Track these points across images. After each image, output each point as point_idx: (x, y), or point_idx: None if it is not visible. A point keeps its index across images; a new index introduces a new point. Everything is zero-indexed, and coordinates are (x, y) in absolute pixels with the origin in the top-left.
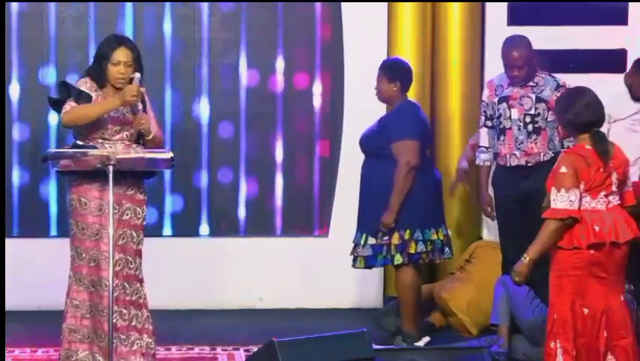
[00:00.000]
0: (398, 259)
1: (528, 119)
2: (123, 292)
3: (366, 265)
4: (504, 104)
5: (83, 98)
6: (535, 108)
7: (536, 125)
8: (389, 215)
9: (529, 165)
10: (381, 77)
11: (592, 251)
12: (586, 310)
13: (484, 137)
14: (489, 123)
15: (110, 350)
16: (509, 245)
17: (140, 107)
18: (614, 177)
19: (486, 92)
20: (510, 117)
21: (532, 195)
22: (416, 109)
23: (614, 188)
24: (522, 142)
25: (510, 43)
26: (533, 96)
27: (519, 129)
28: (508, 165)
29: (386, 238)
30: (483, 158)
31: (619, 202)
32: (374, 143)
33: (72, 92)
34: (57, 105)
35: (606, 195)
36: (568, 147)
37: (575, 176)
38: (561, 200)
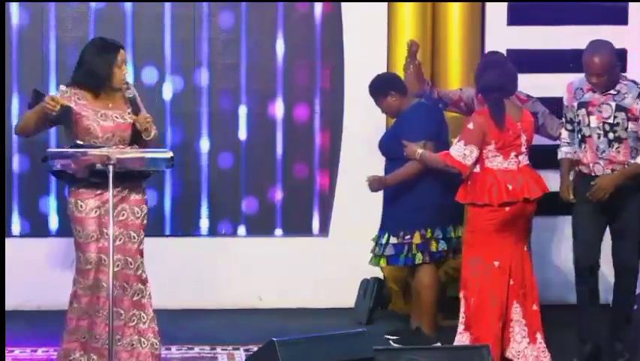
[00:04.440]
0: (419, 257)
1: (607, 128)
2: (122, 293)
3: (389, 263)
4: (583, 110)
5: (61, 112)
6: (615, 117)
7: (616, 135)
8: (379, 182)
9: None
10: (377, 99)
11: (507, 208)
12: (497, 263)
13: (564, 135)
14: (569, 127)
15: (110, 351)
16: (581, 250)
17: (143, 110)
18: (523, 138)
19: (565, 96)
20: (589, 125)
21: (616, 210)
22: (427, 109)
23: (523, 149)
24: (604, 150)
25: (592, 49)
26: (613, 104)
27: (599, 137)
28: (593, 173)
29: (408, 237)
30: (564, 150)
31: (528, 162)
32: (389, 146)
33: (39, 100)
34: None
35: (517, 156)
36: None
37: (479, 136)
38: (456, 149)
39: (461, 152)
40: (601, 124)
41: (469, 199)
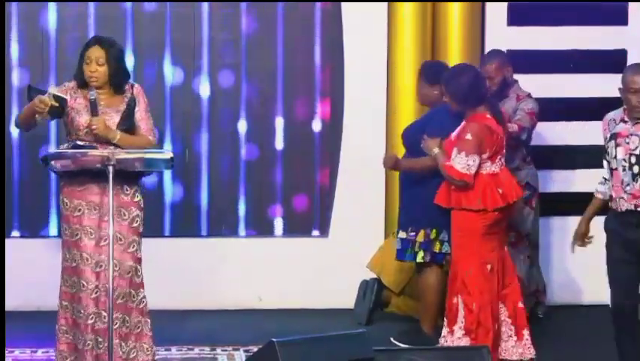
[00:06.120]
0: (421, 256)
1: (633, 160)
2: (104, 295)
3: (397, 258)
4: (612, 142)
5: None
6: None
7: None
8: (393, 162)
9: (638, 209)
10: (420, 80)
11: (496, 213)
12: (489, 267)
13: (604, 170)
14: (607, 157)
15: (109, 351)
16: (617, 293)
17: (117, 113)
18: (504, 140)
19: (602, 126)
20: (616, 157)
21: None
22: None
23: (504, 150)
24: (628, 184)
25: (633, 68)
26: None
27: (624, 170)
28: (619, 209)
29: (413, 233)
30: (598, 188)
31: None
32: (412, 139)
33: (34, 96)
34: None
35: (500, 158)
36: None
37: (478, 145)
38: (459, 162)
39: (465, 163)
40: (627, 156)
41: (455, 204)
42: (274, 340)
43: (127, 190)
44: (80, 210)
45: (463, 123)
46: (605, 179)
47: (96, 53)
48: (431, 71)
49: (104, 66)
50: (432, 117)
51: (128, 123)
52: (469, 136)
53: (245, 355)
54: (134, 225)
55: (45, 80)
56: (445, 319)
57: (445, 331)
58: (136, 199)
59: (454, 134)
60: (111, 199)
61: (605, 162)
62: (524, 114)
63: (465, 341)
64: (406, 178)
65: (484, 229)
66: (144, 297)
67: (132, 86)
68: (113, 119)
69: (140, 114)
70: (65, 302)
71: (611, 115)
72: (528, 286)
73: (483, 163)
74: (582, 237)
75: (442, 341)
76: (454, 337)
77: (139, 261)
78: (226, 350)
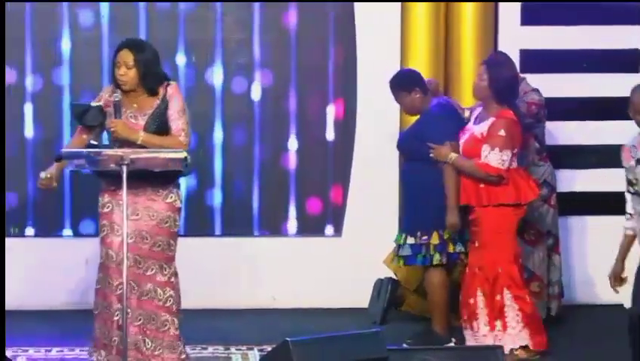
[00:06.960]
0: (437, 258)
1: None
2: (129, 292)
3: (406, 263)
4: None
5: (91, 115)
6: None
7: None
8: (451, 216)
9: None
10: (399, 95)
11: (525, 207)
12: (520, 260)
13: (628, 202)
14: (631, 189)
15: (124, 352)
16: (637, 305)
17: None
18: None
19: (622, 157)
20: None
21: None
22: (450, 107)
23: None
24: None
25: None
26: None
27: None
28: None
29: (425, 237)
30: (626, 225)
31: None
32: (413, 146)
33: (77, 117)
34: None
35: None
36: None
37: (510, 140)
38: (494, 158)
39: (500, 158)
40: None
41: (488, 201)
42: (288, 339)
43: (159, 192)
44: (108, 206)
45: (491, 120)
46: (630, 214)
47: (124, 56)
48: (401, 81)
49: (133, 69)
50: (426, 122)
51: (155, 125)
52: (502, 132)
53: (259, 354)
54: (164, 225)
55: (58, 79)
56: (484, 318)
57: (486, 329)
58: (168, 200)
59: (479, 132)
60: (125, 198)
61: (628, 195)
62: (522, 103)
63: (524, 333)
64: (411, 183)
65: (517, 223)
66: (170, 296)
67: (167, 86)
68: (142, 120)
69: (172, 115)
70: (94, 298)
71: (629, 143)
72: (548, 285)
73: (513, 158)
74: (619, 277)
75: (486, 340)
76: (513, 331)
77: (166, 259)
78: (240, 350)
